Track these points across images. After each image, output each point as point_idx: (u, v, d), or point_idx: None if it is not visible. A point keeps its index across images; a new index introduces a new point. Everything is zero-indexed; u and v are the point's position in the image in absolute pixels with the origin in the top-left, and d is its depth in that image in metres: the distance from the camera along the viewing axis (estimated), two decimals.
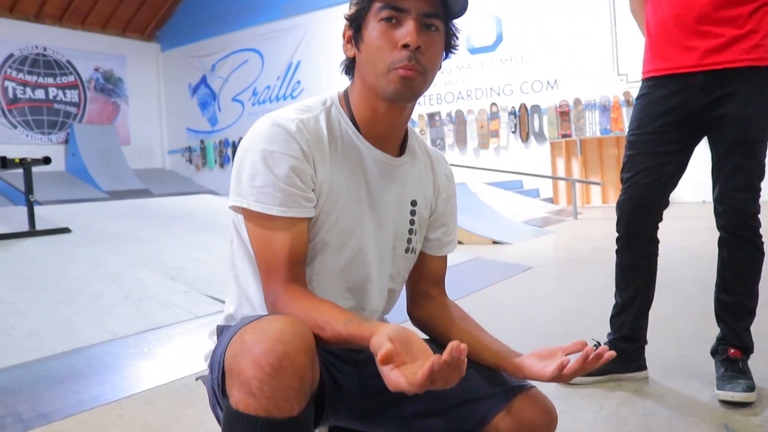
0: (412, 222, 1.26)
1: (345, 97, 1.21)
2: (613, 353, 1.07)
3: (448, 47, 1.18)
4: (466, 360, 0.90)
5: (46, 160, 4.31)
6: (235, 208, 1.14)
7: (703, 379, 2.08)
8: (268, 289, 1.10)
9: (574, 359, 1.07)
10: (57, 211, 5.09)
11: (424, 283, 1.33)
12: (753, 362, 2.04)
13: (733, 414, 1.83)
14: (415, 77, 1.11)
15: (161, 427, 1.92)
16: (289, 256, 1.09)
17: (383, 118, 1.17)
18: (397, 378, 0.87)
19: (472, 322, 1.28)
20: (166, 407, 2.07)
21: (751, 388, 1.90)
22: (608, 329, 2.18)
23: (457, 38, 1.19)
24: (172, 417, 1.99)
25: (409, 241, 1.27)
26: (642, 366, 2.15)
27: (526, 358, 1.16)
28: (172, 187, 14.69)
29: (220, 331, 1.20)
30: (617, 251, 2.15)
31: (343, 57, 1.21)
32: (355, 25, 1.15)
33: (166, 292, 3.25)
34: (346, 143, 1.17)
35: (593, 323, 2.54)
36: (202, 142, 15.95)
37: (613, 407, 1.93)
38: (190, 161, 16.26)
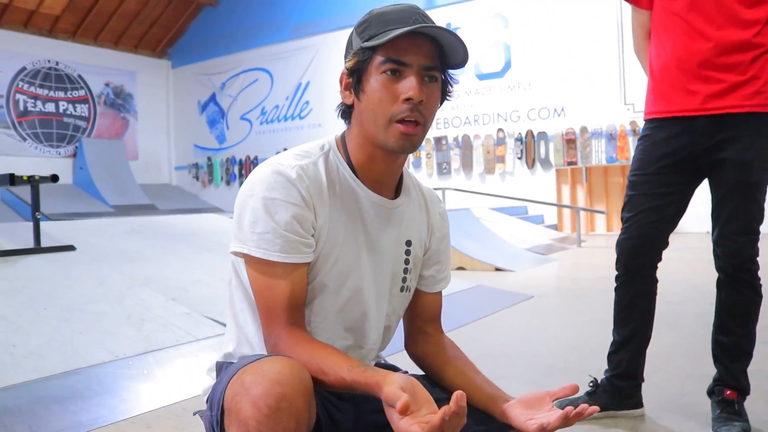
0: (407, 261, 1.29)
1: (342, 142, 1.24)
2: (595, 409, 1.10)
3: (444, 95, 1.22)
4: (466, 407, 0.93)
5: (54, 179, 4.34)
6: (236, 253, 1.16)
7: (699, 418, 2.08)
8: (269, 333, 1.12)
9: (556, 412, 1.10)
10: (63, 228, 5.12)
11: (420, 320, 1.35)
12: (749, 402, 2.04)
13: None
14: (416, 132, 1.15)
15: None
16: (289, 300, 1.12)
17: (380, 163, 1.21)
18: (409, 426, 0.92)
19: (466, 362, 1.30)
20: (164, 430, 2.08)
21: (746, 431, 1.90)
22: (605, 361, 2.19)
23: (452, 86, 1.23)
24: None
25: (404, 279, 1.29)
26: (639, 403, 2.15)
27: (513, 406, 1.17)
28: (178, 203, 14.76)
29: (219, 367, 1.22)
30: (616, 289, 2.16)
31: None
32: (356, 76, 1.18)
33: (168, 313, 3.27)
34: (344, 187, 1.20)
35: (592, 356, 2.55)
36: (209, 159, 16.05)
37: None
38: (197, 178, 16.35)
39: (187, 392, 2.40)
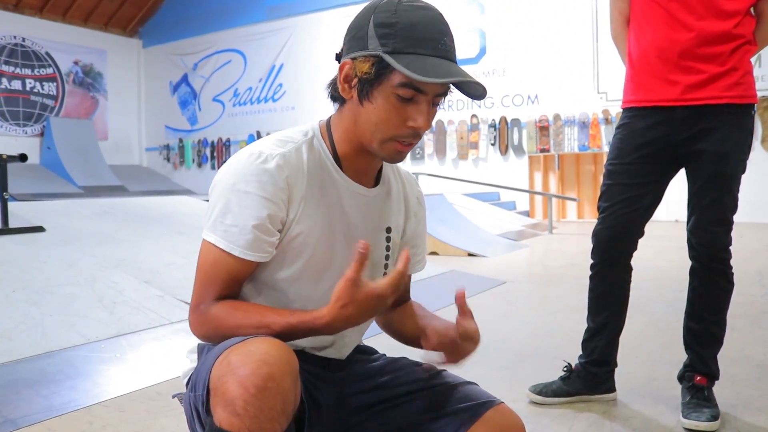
0: (387, 248, 1.28)
1: (327, 129, 1.22)
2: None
3: None
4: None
5: (23, 158, 4.25)
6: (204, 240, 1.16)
7: (669, 403, 2.12)
8: (198, 302, 1.14)
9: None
10: (31, 209, 5.01)
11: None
12: (717, 387, 2.09)
13: None
14: (410, 150, 1.16)
15: None
16: (230, 282, 1.14)
17: (365, 158, 1.20)
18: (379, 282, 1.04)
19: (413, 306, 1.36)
20: (138, 415, 2.06)
21: (715, 417, 1.95)
22: (579, 347, 2.22)
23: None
24: (143, 425, 1.98)
25: (386, 266, 1.29)
26: (611, 388, 2.19)
27: (429, 329, 1.25)
28: (149, 184, 14.54)
29: (201, 350, 1.21)
30: (591, 277, 2.18)
31: (325, 65, 1.23)
32: (367, 82, 1.12)
33: (140, 296, 3.23)
34: (326, 177, 1.19)
35: (564, 342, 2.58)
36: (180, 140, 15.82)
37: (582, 428, 1.97)
38: (168, 159, 16.11)
39: (160, 376, 2.37)
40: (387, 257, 1.29)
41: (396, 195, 1.32)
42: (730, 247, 2.04)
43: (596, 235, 2.14)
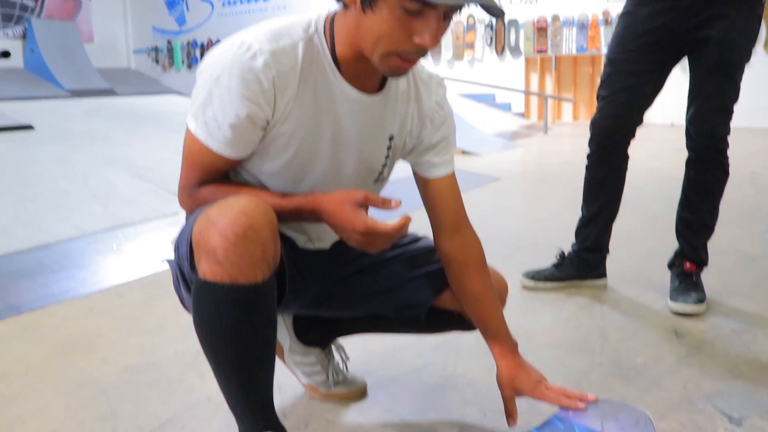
0: (387, 157, 1.23)
1: (330, 27, 1.11)
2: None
3: None
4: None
5: (5, 54, 4.13)
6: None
7: (659, 289, 2.17)
8: (186, 183, 1.15)
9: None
10: (19, 108, 4.93)
11: (436, 212, 1.27)
12: (705, 276, 2.14)
13: (682, 321, 1.93)
14: (413, 66, 1.07)
15: (132, 319, 1.95)
16: (214, 172, 1.14)
17: (366, 64, 1.09)
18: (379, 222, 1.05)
19: (487, 283, 1.27)
20: (136, 301, 2.10)
21: (701, 300, 2.00)
22: (572, 239, 2.25)
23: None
24: (143, 310, 2.02)
25: (381, 172, 1.25)
26: (602, 274, 2.23)
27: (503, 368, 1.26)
28: (138, 87, 14.21)
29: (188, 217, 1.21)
30: (587, 167, 2.18)
31: None
32: None
33: (134, 191, 3.23)
34: (320, 78, 1.11)
35: (558, 235, 2.61)
36: (169, 42, 15.35)
37: (573, 311, 2.02)
38: (157, 61, 15.69)
39: (157, 265, 2.40)
40: (384, 165, 1.24)
41: (404, 101, 1.21)
42: (728, 137, 2.03)
43: (594, 124, 2.11)
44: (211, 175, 1.14)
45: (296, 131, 1.12)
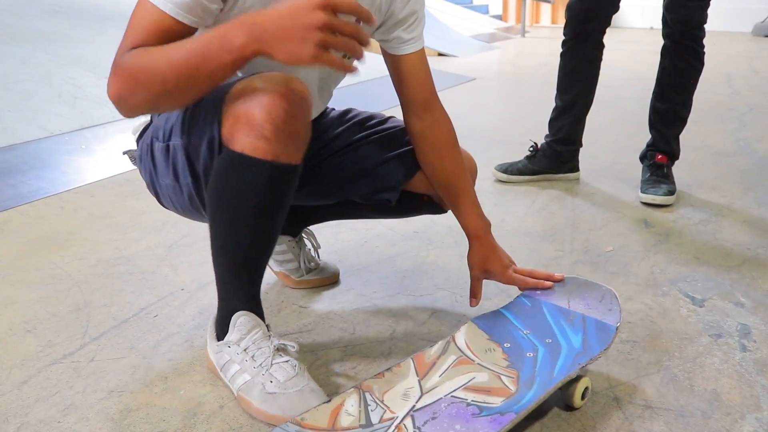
0: None
1: None
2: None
3: None
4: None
5: None
6: None
7: (630, 182, 2.19)
8: (126, 46, 0.95)
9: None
10: None
11: (407, 90, 1.23)
12: (676, 170, 2.16)
13: (652, 212, 1.96)
14: None
15: (105, 216, 1.93)
16: (158, 40, 0.94)
17: None
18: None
19: (459, 162, 1.26)
20: (108, 199, 2.07)
21: (671, 192, 2.02)
22: (547, 128, 2.24)
23: None
24: (114, 207, 2.00)
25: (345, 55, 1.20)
26: (574, 168, 2.24)
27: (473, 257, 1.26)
28: None
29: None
30: (562, 55, 2.14)
31: None
32: None
33: (102, 91, 3.08)
34: None
35: (532, 131, 2.60)
36: None
37: (545, 202, 2.04)
38: None
39: (128, 165, 2.35)
40: None
41: None
42: (705, 25, 1.99)
43: (570, 9, 2.06)
44: (156, 41, 0.95)
45: (259, 4, 1.06)
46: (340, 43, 0.86)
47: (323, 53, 0.85)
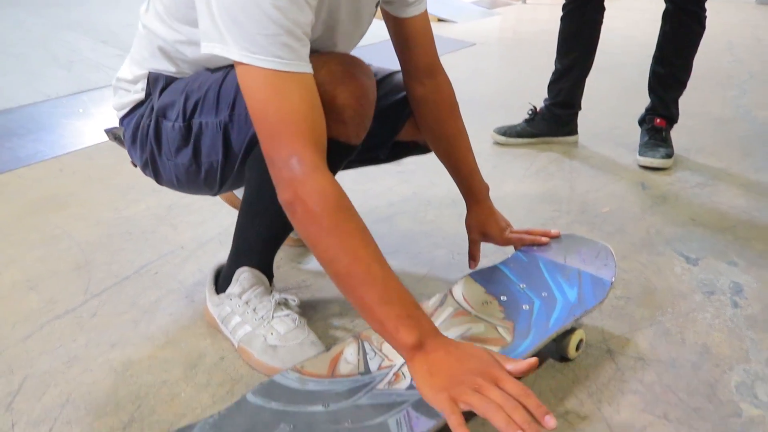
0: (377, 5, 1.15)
1: None
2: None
3: None
4: None
5: None
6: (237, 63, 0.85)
7: (628, 146, 2.20)
8: (278, 152, 0.83)
9: None
10: None
11: (409, 55, 1.20)
12: (675, 135, 2.16)
13: (650, 175, 1.97)
14: None
15: (103, 179, 1.94)
16: (310, 114, 0.85)
17: None
18: None
19: (460, 127, 1.25)
20: (106, 162, 2.08)
21: (669, 155, 2.03)
22: (547, 91, 2.24)
23: None
24: (113, 170, 2.00)
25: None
26: (573, 131, 2.24)
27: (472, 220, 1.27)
28: None
29: (155, 79, 1.13)
30: (562, 18, 2.13)
31: None
32: None
33: (98, 55, 3.10)
34: None
35: (531, 95, 2.59)
36: None
37: (543, 164, 2.05)
38: None
39: None
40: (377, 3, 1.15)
41: None
42: None
43: None
44: (312, 123, 0.86)
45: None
46: (497, 396, 0.73)
47: (457, 404, 0.74)
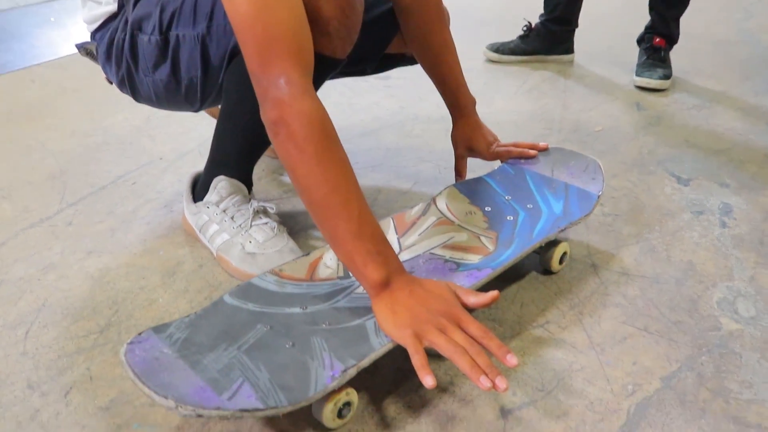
0: None
1: None
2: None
3: None
4: None
5: None
6: None
7: (625, 66, 2.13)
8: (264, 70, 0.79)
9: None
10: None
11: None
12: (674, 57, 2.09)
13: (646, 95, 1.92)
14: None
15: (77, 89, 1.87)
16: (296, 31, 0.81)
17: None
18: None
19: (447, 38, 1.19)
20: (80, 72, 2.00)
21: (667, 76, 1.97)
22: (543, 6, 2.15)
23: None
24: (87, 81, 1.93)
25: None
26: (569, 49, 2.17)
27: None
28: None
29: None
30: None
31: None
32: None
33: None
34: None
35: (526, 11, 2.49)
36: None
37: (536, 82, 1.99)
38: None
39: None
40: None
41: None
42: None
43: None
44: (297, 41, 0.81)
45: None
46: (460, 339, 0.72)
47: (421, 343, 0.73)
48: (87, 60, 1.21)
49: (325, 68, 0.95)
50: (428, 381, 0.69)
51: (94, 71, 2.00)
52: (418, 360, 0.71)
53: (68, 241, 1.14)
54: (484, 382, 0.68)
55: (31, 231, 1.18)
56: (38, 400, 0.80)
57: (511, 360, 0.71)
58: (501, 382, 0.69)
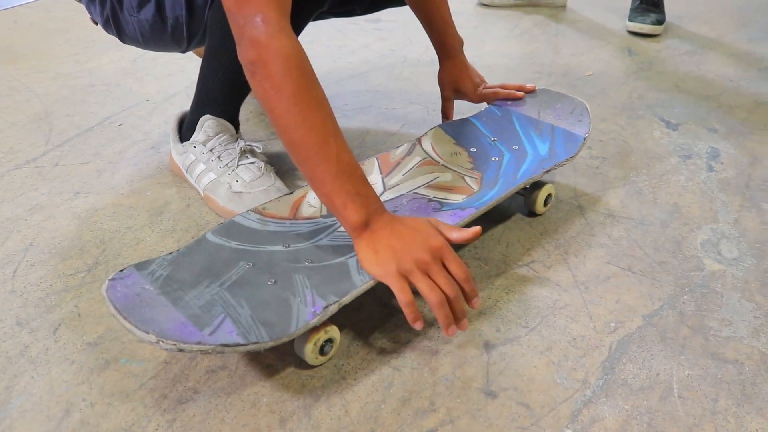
0: None
1: None
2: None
3: None
4: None
5: None
6: None
7: (619, 12, 2.10)
8: (243, 12, 0.75)
9: None
10: None
11: None
12: (668, 3, 2.06)
13: (638, 41, 1.90)
14: None
15: (61, 31, 1.83)
16: None
17: None
18: None
19: None
20: (65, 13, 1.96)
21: (660, 22, 1.94)
22: None
23: None
24: (72, 22, 1.89)
25: None
26: None
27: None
28: None
29: None
30: None
31: None
32: None
33: None
34: None
35: None
36: None
37: (527, 27, 1.96)
38: None
39: None
40: None
41: None
42: None
43: None
44: None
45: None
46: (442, 282, 0.73)
47: (407, 282, 0.73)
48: (71, 1, 1.19)
49: (309, 6, 0.93)
50: (417, 325, 0.72)
51: (79, 12, 1.97)
52: (404, 298, 0.72)
53: (55, 182, 1.13)
54: (451, 332, 0.73)
55: (17, 172, 1.17)
56: (27, 336, 0.81)
57: (475, 303, 0.77)
58: (475, 302, 0.77)
